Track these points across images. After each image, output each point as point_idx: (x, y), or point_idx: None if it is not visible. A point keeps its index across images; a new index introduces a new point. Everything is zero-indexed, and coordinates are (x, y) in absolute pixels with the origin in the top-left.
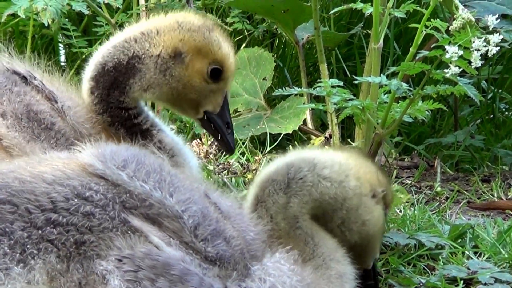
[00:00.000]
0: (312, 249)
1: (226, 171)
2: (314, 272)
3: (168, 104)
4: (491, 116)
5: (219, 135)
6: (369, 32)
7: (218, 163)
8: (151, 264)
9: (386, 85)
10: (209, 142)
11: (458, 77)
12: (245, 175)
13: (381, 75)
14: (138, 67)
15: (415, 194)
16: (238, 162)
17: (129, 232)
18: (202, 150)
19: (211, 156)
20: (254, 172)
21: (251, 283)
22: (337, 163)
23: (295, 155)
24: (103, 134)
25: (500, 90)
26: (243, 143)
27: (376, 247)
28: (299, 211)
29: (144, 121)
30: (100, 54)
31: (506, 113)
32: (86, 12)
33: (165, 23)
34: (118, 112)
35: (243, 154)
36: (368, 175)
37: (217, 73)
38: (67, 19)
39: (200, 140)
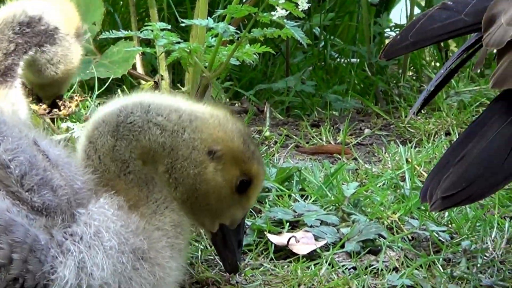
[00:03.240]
0: (145, 195)
1: (49, 112)
2: (146, 218)
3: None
4: (323, 63)
5: None
6: None
7: (40, 104)
8: None
9: (213, 28)
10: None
11: (286, 21)
12: (67, 117)
13: (208, 18)
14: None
15: None
16: (59, 105)
17: None
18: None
19: (34, 96)
20: (75, 114)
21: (76, 228)
22: (177, 113)
23: (133, 98)
24: None
25: (332, 37)
26: (71, 87)
27: (218, 212)
28: (128, 156)
29: None
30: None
31: (338, 60)
32: None
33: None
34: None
35: (71, 98)
36: (213, 132)
37: None
38: None
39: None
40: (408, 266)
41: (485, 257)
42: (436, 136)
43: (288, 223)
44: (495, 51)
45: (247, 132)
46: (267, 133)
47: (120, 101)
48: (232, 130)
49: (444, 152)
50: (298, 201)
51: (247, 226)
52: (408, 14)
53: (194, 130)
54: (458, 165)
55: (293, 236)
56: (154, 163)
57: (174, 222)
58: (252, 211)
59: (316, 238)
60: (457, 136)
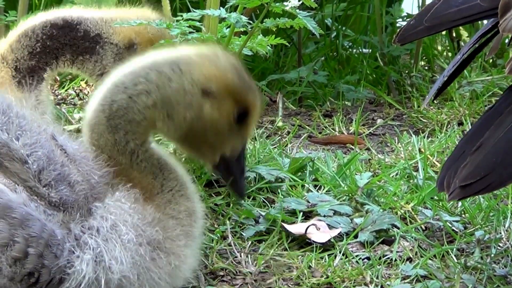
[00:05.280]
0: (160, 183)
1: (64, 102)
2: (161, 208)
3: None
4: (335, 53)
5: None
6: None
7: (57, 94)
8: None
9: (226, 18)
10: None
11: (299, 11)
12: (83, 107)
13: (221, 8)
14: (97, 47)
15: (257, 128)
16: (75, 92)
17: None
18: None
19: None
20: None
21: (93, 221)
22: (155, 70)
23: (107, 83)
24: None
25: (344, 28)
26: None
27: (217, 144)
28: (133, 145)
29: None
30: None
31: (350, 50)
32: None
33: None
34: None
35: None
36: (204, 70)
37: None
38: None
39: None
40: (422, 256)
41: (498, 247)
42: (449, 126)
43: (301, 213)
44: (507, 40)
45: (240, 65)
46: (280, 124)
47: (98, 94)
48: (224, 65)
49: (458, 141)
50: (312, 191)
51: (261, 216)
52: (420, 3)
53: (180, 75)
54: (475, 154)
55: (312, 224)
56: (154, 126)
57: (189, 211)
58: (266, 201)
59: (330, 228)
60: (470, 126)
